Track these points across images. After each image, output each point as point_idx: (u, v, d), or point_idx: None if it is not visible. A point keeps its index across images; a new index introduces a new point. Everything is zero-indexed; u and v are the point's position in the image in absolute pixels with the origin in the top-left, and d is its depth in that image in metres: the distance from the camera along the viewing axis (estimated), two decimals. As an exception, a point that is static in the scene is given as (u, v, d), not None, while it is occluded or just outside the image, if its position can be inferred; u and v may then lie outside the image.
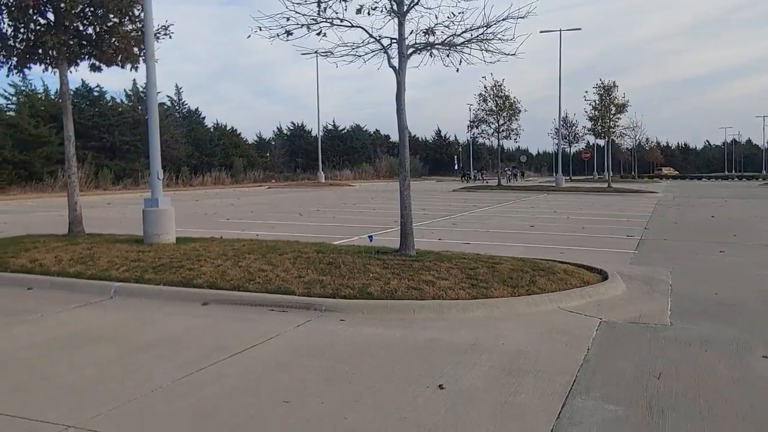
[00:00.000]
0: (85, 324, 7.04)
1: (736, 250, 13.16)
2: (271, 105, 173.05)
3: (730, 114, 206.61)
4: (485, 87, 44.42)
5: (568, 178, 63.45)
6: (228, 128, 65.22)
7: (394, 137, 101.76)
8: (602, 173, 71.21)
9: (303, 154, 74.38)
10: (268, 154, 73.20)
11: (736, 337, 6.48)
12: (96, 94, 46.44)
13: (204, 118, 61.01)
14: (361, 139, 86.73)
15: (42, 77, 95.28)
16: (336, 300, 7.44)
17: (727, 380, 5.21)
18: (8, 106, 43.71)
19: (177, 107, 58.06)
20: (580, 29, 47.36)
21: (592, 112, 45.25)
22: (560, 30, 44.47)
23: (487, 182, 58.77)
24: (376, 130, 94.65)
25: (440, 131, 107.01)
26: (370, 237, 12.49)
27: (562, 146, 58.97)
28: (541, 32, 42.06)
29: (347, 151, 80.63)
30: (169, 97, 58.76)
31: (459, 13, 8.94)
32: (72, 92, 46.46)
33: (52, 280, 8.80)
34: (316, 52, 9.56)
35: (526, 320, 7.07)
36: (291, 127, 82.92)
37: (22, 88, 44.80)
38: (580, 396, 4.81)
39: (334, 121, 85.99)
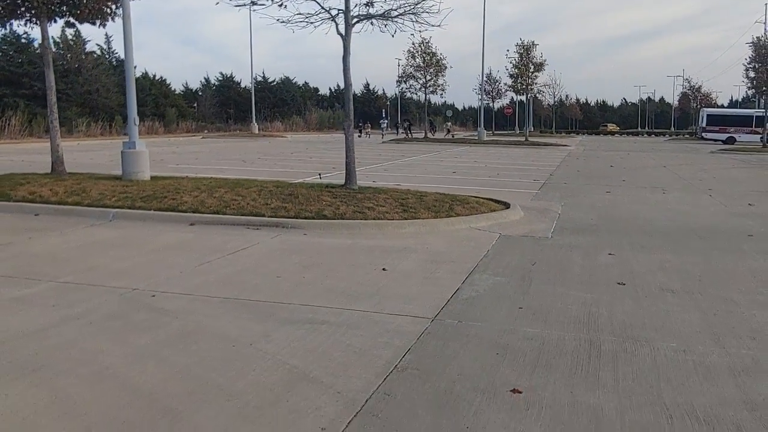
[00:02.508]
0: (101, 236, 8.91)
1: (620, 191, 15.90)
2: (195, 54, 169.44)
3: (646, 73, 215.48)
4: (413, 44, 46.43)
5: (490, 132, 66.60)
6: (157, 78, 65.02)
7: (323, 90, 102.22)
8: (523, 128, 74.77)
9: (233, 106, 74.71)
10: (195, 105, 73.17)
11: (594, 243, 8.96)
12: (24, 41, 45.88)
13: (136, 67, 60.72)
14: (291, 91, 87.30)
15: None
16: (298, 220, 9.53)
17: (579, 266, 7.63)
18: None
19: (107, 56, 57.52)
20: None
21: (513, 69, 48.05)
22: (485, -9, 46.63)
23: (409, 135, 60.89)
24: (305, 82, 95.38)
25: (368, 84, 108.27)
26: (320, 175, 14.55)
27: (486, 102, 61.84)
28: (466, -8, 43.99)
29: (277, 104, 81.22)
30: (99, 45, 58.15)
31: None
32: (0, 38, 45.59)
33: (55, 207, 10.52)
34: (276, 20, 11.35)
35: (445, 234, 9.37)
36: (220, 78, 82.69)
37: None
38: (478, 273, 7.11)
39: (264, 73, 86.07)
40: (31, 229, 9.32)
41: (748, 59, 39.20)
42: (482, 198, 12.01)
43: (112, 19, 13.63)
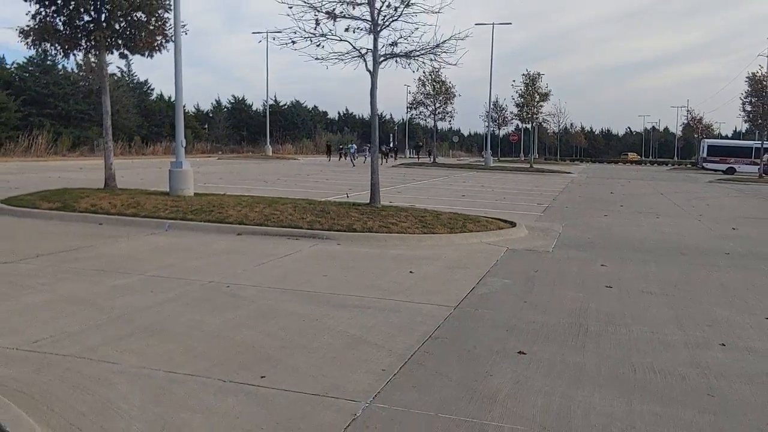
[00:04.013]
0: (163, 242, 10.35)
1: (616, 215, 17.31)
2: (203, 75, 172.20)
3: (651, 102, 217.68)
4: (424, 72, 48.13)
5: (496, 158, 68.14)
6: (171, 100, 66.93)
7: (332, 114, 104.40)
8: (528, 155, 76.44)
9: (245, 128, 76.59)
10: (206, 126, 75.02)
11: (589, 257, 10.35)
12: (49, 63, 47.77)
13: (153, 89, 62.83)
14: (301, 114, 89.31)
15: None
16: (332, 232, 10.96)
17: (575, 273, 9.01)
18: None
19: (127, 78, 59.51)
20: (510, 24, 51.86)
21: (519, 99, 49.77)
22: (493, 23, 48.58)
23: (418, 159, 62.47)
24: (315, 106, 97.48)
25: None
26: (347, 194, 16.03)
27: (492, 128, 63.45)
28: (476, 24, 45.92)
29: (288, 126, 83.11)
30: (119, 68, 60.20)
31: (416, 29, 12.49)
32: (25, 60, 47.47)
33: (116, 218, 11.97)
34: (314, 58, 12.87)
35: (460, 247, 10.78)
36: (232, 101, 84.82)
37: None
38: (489, 277, 8.51)
39: (275, 97, 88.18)
40: (101, 235, 10.76)
41: (745, 93, 40.75)
42: (491, 218, 13.43)
43: (160, 51, 15.21)
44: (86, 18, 14.05)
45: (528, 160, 59.51)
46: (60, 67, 49.15)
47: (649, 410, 4.33)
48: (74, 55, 14.78)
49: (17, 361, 4.78)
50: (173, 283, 7.43)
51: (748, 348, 5.80)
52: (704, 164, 56.87)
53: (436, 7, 12.11)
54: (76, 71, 50.97)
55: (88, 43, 14.56)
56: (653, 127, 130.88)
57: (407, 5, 12.13)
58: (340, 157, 54.02)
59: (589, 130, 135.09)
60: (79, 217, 12.14)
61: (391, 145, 72.16)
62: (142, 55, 15.11)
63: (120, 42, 14.56)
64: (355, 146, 53.32)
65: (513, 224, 12.82)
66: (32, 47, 14.27)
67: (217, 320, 6.04)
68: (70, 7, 13.60)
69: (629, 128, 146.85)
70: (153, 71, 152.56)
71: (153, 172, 27.97)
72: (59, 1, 13.72)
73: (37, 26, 14.00)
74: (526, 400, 4.44)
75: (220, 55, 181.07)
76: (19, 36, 14.20)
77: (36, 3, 13.79)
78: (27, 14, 14.08)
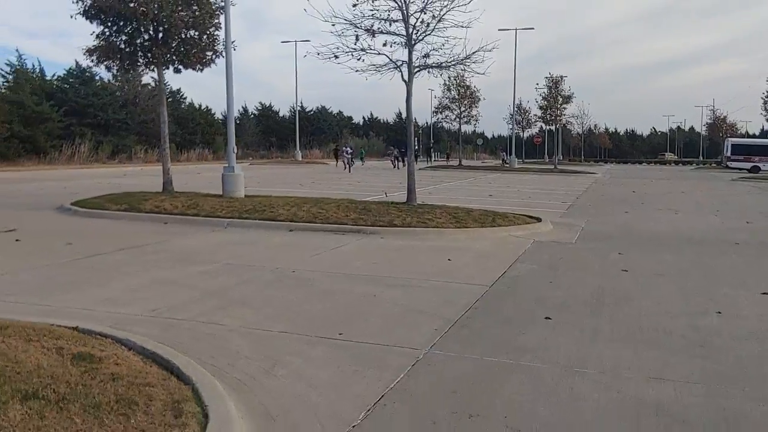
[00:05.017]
0: (226, 238, 11.63)
1: (637, 211, 18.30)
2: (223, 81, 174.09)
3: (676, 102, 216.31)
4: (449, 77, 49.22)
5: (520, 160, 69.09)
6: (203, 107, 68.87)
7: (357, 118, 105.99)
8: (552, 157, 77.21)
9: (274, 134, 78.36)
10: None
11: (609, 247, 11.43)
12: (87, 75, 49.79)
13: (185, 98, 64.77)
14: (327, 120, 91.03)
15: (38, 59, 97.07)
16: (375, 227, 12.16)
17: (594, 260, 10.10)
18: (4, 84, 46.64)
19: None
20: (533, 29, 52.59)
21: (542, 102, 50.72)
22: (516, 29, 49.63)
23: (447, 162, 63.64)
24: (339, 111, 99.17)
25: (401, 113, 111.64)
26: (386, 194, 17.33)
27: (516, 131, 64.35)
28: (499, 30, 46.89)
29: (314, 132, 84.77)
30: (153, 78, 62.18)
31: (445, 43, 13.67)
32: (65, 72, 49.46)
33: (179, 217, 13.30)
34: (354, 70, 14.09)
35: (490, 239, 11.92)
36: (259, 108, 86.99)
37: (17, 66, 47.79)
38: (518, 263, 9.64)
39: (302, 103, 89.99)
40: (169, 232, 12.08)
41: (766, 93, 41.29)
42: (518, 214, 14.54)
43: (209, 65, 16.57)
44: (145, 37, 15.44)
45: (552, 161, 60.34)
46: (97, 78, 51.14)
47: (650, 355, 5.45)
48: (132, 70, 16.15)
49: (146, 323, 6.02)
50: (246, 269, 8.68)
51: (740, 315, 6.88)
52: (728, 163, 57.19)
53: (465, 22, 13.30)
54: (113, 82, 52.94)
55: (145, 60, 15.96)
56: (678, 126, 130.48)
57: (439, 20, 13.32)
58: (346, 164, 43.18)
59: (614, 130, 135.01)
60: (145, 217, 13.49)
61: (404, 149, 64.81)
62: (194, 69, 16.48)
63: (175, 58, 15.93)
64: (350, 149, 46.37)
65: (538, 219, 13.91)
66: (97, 65, 15.71)
67: (291, 296, 7.26)
68: (132, 27, 15.00)
69: (654, 128, 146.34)
70: (183, 80, 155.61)
71: (193, 177, 29.43)
72: (121, 22, 15.12)
73: (101, 45, 15.43)
74: (551, 349, 5.58)
75: (244, 62, 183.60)
76: (85, 54, 15.68)
77: (101, 24, 15.23)
78: (92, 34, 15.56)
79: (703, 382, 4.86)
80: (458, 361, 5.22)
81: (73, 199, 16.44)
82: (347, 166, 41.17)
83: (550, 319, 6.54)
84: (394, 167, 48.08)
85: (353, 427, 4.00)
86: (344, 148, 46.81)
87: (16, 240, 10.88)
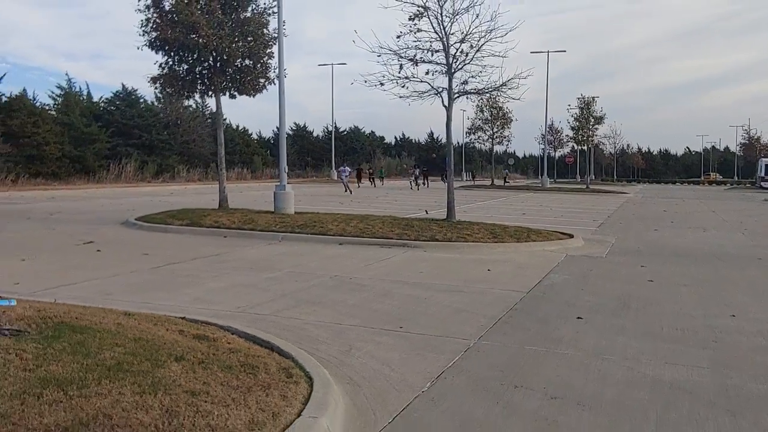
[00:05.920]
0: (282, 249, 12.75)
1: (667, 230, 19.06)
2: (258, 102, 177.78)
3: (710, 122, 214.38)
4: (481, 98, 50.31)
5: (552, 180, 69.69)
6: (240, 129, 70.90)
7: (389, 138, 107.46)
8: (584, 177, 77.64)
9: (308, 154, 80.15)
10: (267, 152, 78.78)
11: (635, 261, 12.30)
12: (133, 98, 51.96)
13: (226, 119, 66.99)
14: (360, 140, 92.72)
15: (86, 82, 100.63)
16: (418, 242, 13.19)
17: (622, 272, 11.00)
18: (54, 106, 48.91)
19: (201, 109, 63.60)
20: (564, 51, 53.62)
21: (574, 122, 51.50)
22: (548, 51, 50.64)
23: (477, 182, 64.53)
24: (372, 131, 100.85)
25: (432, 133, 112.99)
26: (426, 211, 18.39)
27: (548, 151, 65.10)
28: (531, 53, 47.99)
29: (348, 152, 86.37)
30: (194, 100, 64.49)
31: (482, 71, 14.73)
32: (112, 95, 51.53)
33: (236, 231, 14.48)
34: (398, 96, 15.19)
35: (526, 253, 12.86)
36: (294, 128, 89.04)
37: (66, 89, 50.10)
38: (552, 274, 10.58)
39: (335, 123, 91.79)
40: (230, 245, 13.25)
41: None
42: (551, 230, 15.46)
43: (262, 91, 17.86)
44: (204, 65, 16.79)
45: (584, 181, 60.91)
46: (142, 101, 53.25)
47: (667, 347, 6.38)
48: (192, 97, 17.52)
49: (234, 318, 7.11)
50: (308, 276, 9.77)
51: (752, 318, 7.74)
52: (762, 183, 57.22)
53: (502, 52, 14.36)
54: (156, 104, 54.98)
55: (203, 87, 17.30)
56: (713, 146, 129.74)
57: (477, 50, 14.40)
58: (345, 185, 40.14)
59: (647, 150, 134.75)
60: (206, 231, 14.69)
61: (426, 168, 59.25)
62: (248, 95, 17.77)
63: (231, 85, 17.25)
64: (348, 168, 44.77)
65: (571, 236, 14.81)
66: (160, 92, 17.07)
67: (352, 298, 8.31)
68: (193, 58, 16.36)
69: (688, 148, 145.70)
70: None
71: (237, 195, 30.70)
72: (183, 52, 16.49)
73: (164, 74, 16.83)
74: (582, 341, 6.54)
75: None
76: (149, 82, 17.10)
77: (164, 54, 16.63)
78: (155, 63, 16.98)
79: (712, 367, 5.78)
80: (503, 349, 6.20)
81: (133, 215, 17.78)
82: (347, 187, 39.17)
83: (581, 318, 7.48)
84: (411, 188, 46.05)
85: (423, 392, 5.01)
86: (341, 168, 44.92)
87: (98, 250, 12.13)
